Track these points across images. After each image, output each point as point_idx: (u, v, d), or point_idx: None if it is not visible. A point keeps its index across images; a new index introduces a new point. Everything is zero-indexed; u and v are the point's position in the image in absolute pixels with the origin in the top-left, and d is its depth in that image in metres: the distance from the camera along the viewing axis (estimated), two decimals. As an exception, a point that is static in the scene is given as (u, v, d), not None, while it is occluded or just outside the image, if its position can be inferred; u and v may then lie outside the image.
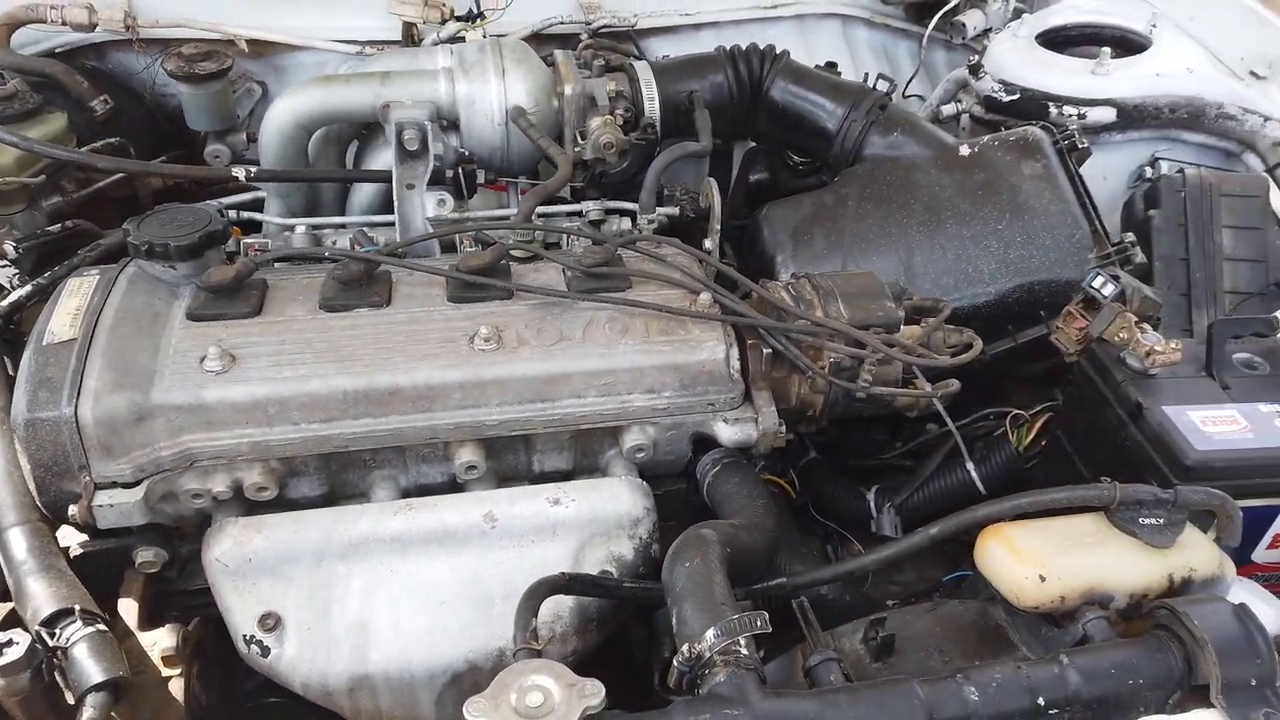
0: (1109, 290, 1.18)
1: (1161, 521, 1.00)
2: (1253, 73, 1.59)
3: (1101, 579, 0.99)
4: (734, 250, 1.57)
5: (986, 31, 1.82)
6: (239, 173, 1.35)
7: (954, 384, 1.22)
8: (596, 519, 1.12)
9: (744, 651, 0.90)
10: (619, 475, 1.19)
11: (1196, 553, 1.00)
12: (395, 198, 1.34)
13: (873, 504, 1.44)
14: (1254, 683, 0.88)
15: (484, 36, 1.68)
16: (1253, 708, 0.86)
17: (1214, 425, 1.09)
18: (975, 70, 1.64)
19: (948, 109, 1.69)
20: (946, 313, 1.23)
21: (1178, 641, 0.91)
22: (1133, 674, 0.90)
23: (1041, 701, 0.89)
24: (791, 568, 1.20)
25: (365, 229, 1.34)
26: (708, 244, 1.37)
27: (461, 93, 1.40)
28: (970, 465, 1.37)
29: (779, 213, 1.43)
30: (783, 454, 1.44)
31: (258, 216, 1.40)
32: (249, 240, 1.32)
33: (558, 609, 1.10)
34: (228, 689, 1.25)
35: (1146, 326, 1.16)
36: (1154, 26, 1.66)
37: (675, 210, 1.45)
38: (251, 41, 1.71)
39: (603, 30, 1.77)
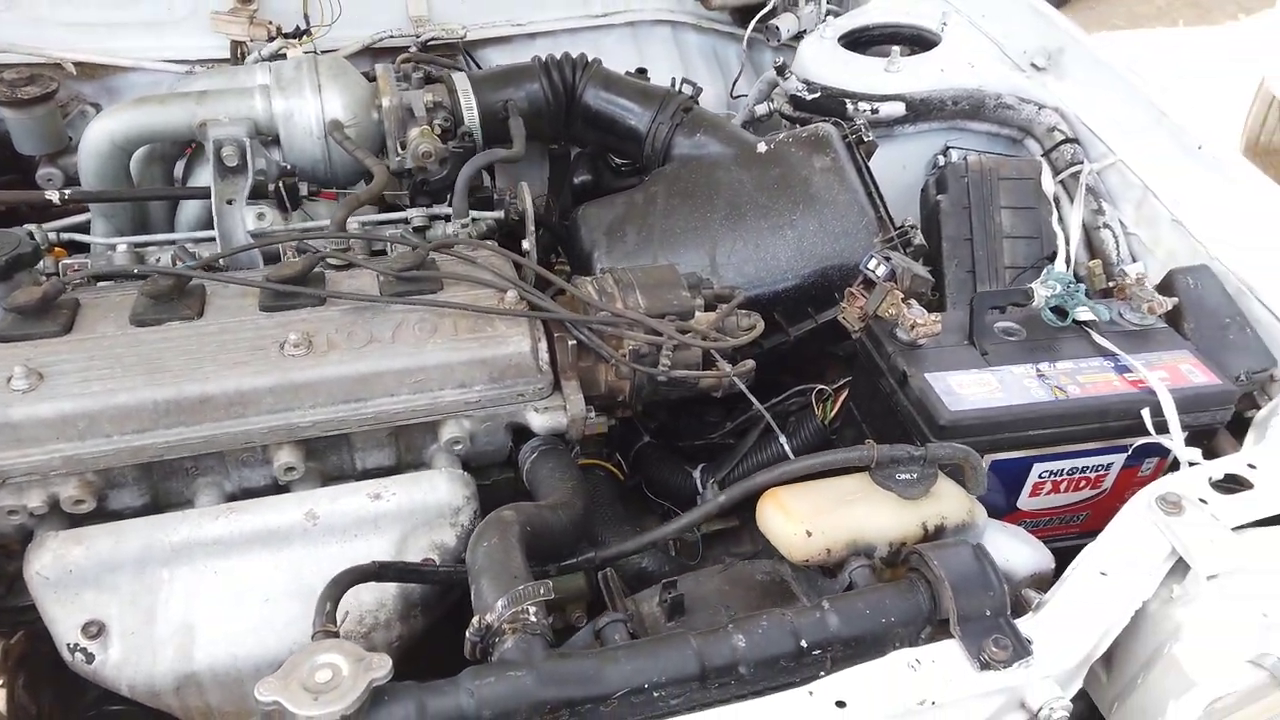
0: (881, 271, 1.29)
1: (915, 476, 1.11)
2: (1033, 64, 1.74)
3: (863, 531, 1.10)
4: (565, 247, 1.65)
5: (801, 33, 1.94)
6: (52, 195, 1.37)
7: (750, 364, 1.32)
8: (417, 510, 1.19)
9: (532, 619, 0.97)
10: (440, 468, 1.25)
11: (947, 502, 1.12)
12: (215, 213, 1.38)
13: (699, 481, 1.53)
14: (988, 613, 0.99)
15: (313, 52, 1.72)
16: (986, 636, 0.97)
17: (969, 388, 1.21)
18: (782, 71, 1.75)
19: (761, 108, 1.80)
20: (739, 299, 1.33)
21: (925, 582, 1.02)
22: (885, 614, 1.01)
23: (804, 644, 0.98)
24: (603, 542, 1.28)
25: (186, 245, 1.38)
26: (526, 244, 1.45)
27: (279, 109, 1.44)
28: (783, 439, 1.47)
29: (594, 212, 1.52)
30: (616, 438, 1.53)
31: (80, 237, 1.43)
32: (68, 261, 1.34)
33: (381, 597, 1.16)
34: (70, 701, 1.27)
35: (913, 302, 1.27)
36: (945, 25, 1.80)
37: (501, 214, 1.52)
38: (80, 64, 1.72)
39: (433, 43, 1.83)
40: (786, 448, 1.47)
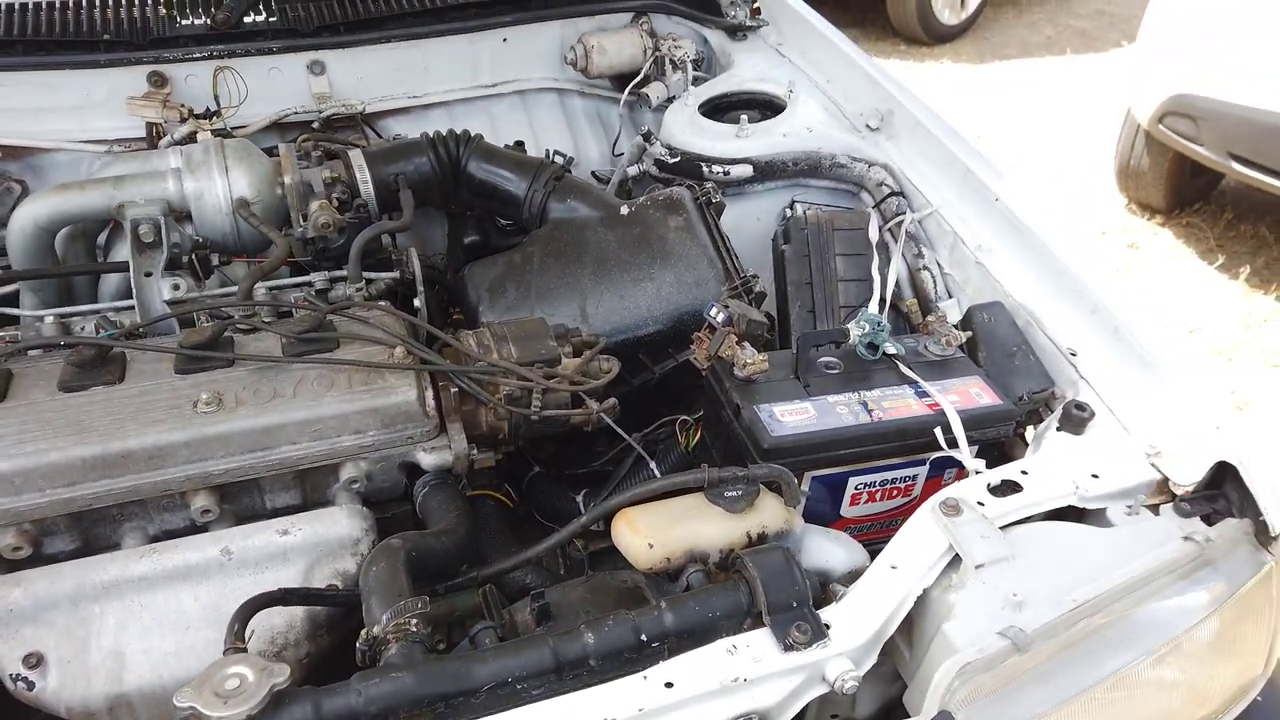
0: (720, 317, 1.51)
1: (741, 493, 1.32)
2: (868, 125, 1.99)
3: (697, 541, 1.30)
4: (456, 301, 1.84)
5: (671, 99, 2.17)
6: (-17, 276, 1.53)
7: (612, 402, 1.52)
8: (321, 543, 1.37)
9: (413, 629, 1.16)
10: (342, 505, 1.43)
11: (768, 514, 1.33)
12: (134, 285, 1.54)
13: (582, 506, 1.72)
14: (794, 605, 1.19)
15: (223, 130, 1.90)
16: (791, 623, 1.18)
17: (790, 416, 1.43)
18: (647, 137, 1.97)
19: (632, 170, 2.02)
20: (600, 346, 1.54)
21: (744, 581, 1.23)
22: (712, 609, 1.21)
23: (644, 637, 1.18)
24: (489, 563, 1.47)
25: (109, 315, 1.54)
26: (417, 302, 1.64)
27: (190, 189, 1.62)
28: (652, 464, 1.68)
29: (478, 271, 1.72)
30: (507, 470, 1.72)
31: (9, 311, 1.58)
32: (0, 334, 1.50)
33: (290, 619, 1.33)
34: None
35: (746, 344, 1.49)
36: (791, 92, 2.04)
37: (397, 274, 1.71)
38: (6, 146, 1.87)
39: (334, 117, 2.02)
40: (656, 472, 1.68)
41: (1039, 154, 5.29)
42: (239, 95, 1.95)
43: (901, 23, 6.55)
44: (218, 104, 1.94)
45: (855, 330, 1.53)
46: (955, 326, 1.62)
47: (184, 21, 1.92)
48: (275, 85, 2.00)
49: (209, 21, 1.93)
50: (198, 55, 1.91)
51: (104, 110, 1.90)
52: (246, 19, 1.96)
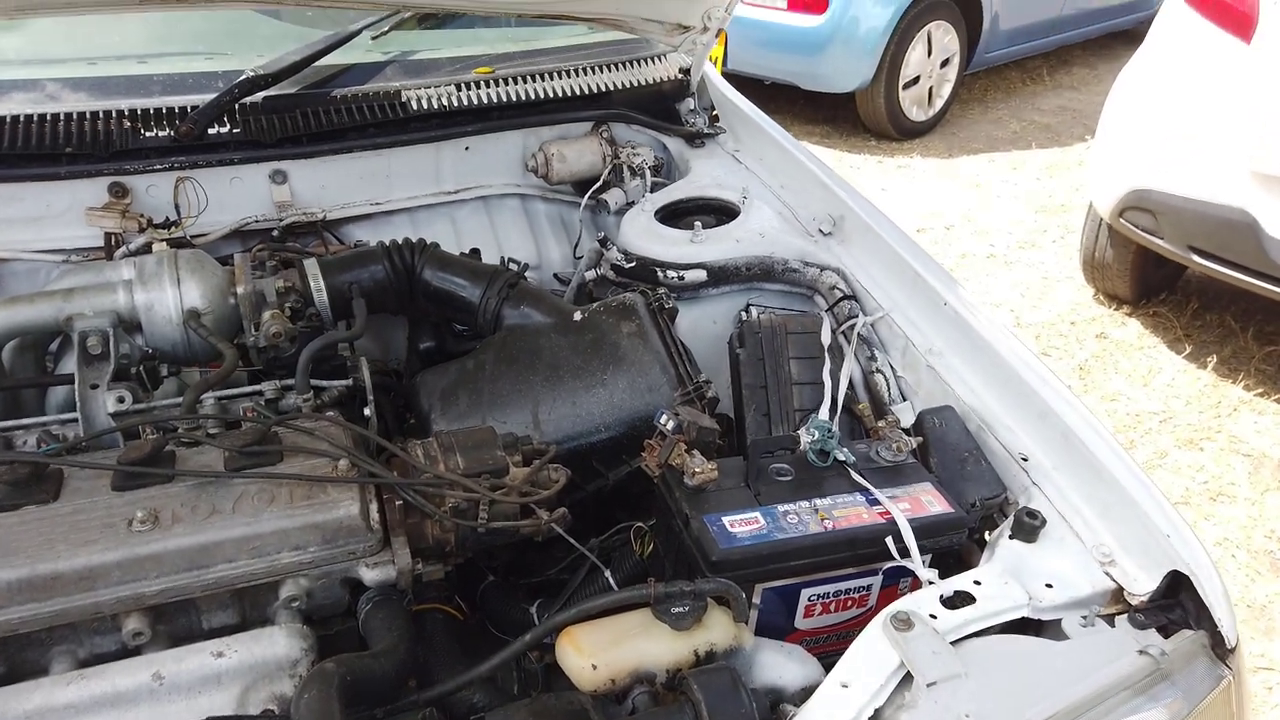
0: (670, 425, 1.51)
1: (687, 609, 1.29)
2: (820, 230, 2.02)
3: (642, 661, 1.27)
4: (410, 408, 1.83)
5: (630, 204, 2.21)
6: (-77, 390, 1.51)
7: (562, 512, 1.50)
8: (258, 665, 1.32)
9: (344, 757, 1.12)
10: (281, 624, 1.39)
11: (716, 631, 1.30)
12: (78, 398, 1.53)
13: (536, 617, 1.68)
14: (740, 726, 1.16)
15: (184, 240, 1.92)
16: (739, 746, 1.14)
17: (740, 526, 1.41)
18: (604, 243, 2.00)
19: (590, 274, 2.04)
20: (550, 455, 1.52)
21: (690, 704, 1.20)
22: (657, 733, 1.18)
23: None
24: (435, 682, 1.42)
25: (51, 428, 1.52)
26: (367, 411, 1.63)
27: (140, 301, 1.62)
28: (607, 573, 1.65)
29: (430, 380, 1.71)
30: (460, 579, 1.69)
31: (-49, 425, 1.56)
32: (-63, 449, 1.47)
33: (221, 747, 1.28)
34: None
35: (695, 452, 1.48)
36: (745, 198, 2.09)
37: (349, 381, 1.70)
38: (-40, 257, 1.88)
39: (295, 225, 2.04)
40: (612, 582, 1.65)
41: (1008, 245, 5.39)
42: (199, 205, 1.97)
43: (871, 120, 6.75)
44: (178, 213, 1.96)
45: (805, 437, 1.52)
46: (907, 431, 1.62)
47: (147, 134, 1.95)
48: (236, 194, 2.03)
49: (172, 133, 1.96)
50: (159, 167, 1.94)
51: (63, 220, 1.91)
52: (210, 130, 1.99)
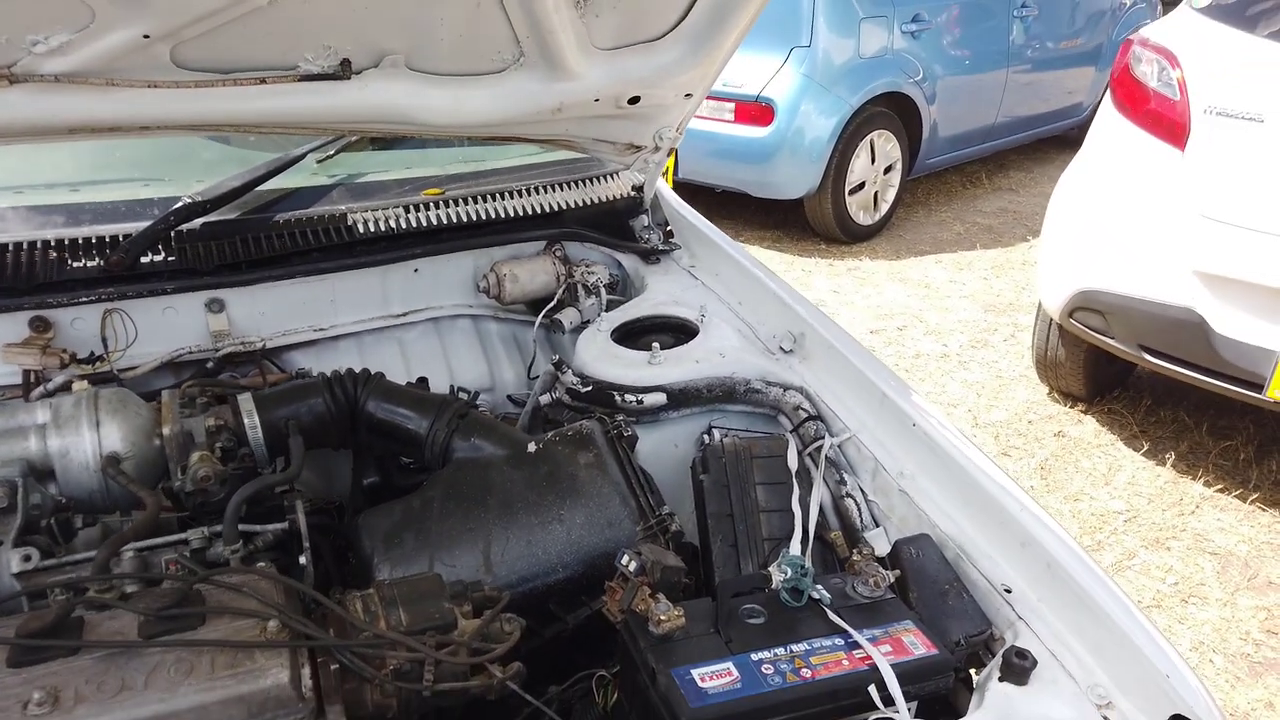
0: (633, 566, 1.40)
1: (657, 780, 1.17)
2: (781, 348, 1.97)
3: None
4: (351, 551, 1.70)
5: (585, 323, 2.14)
6: None
7: (516, 668, 1.37)
8: None
9: None
10: (200, 812, 1.23)
11: (687, 801, 1.18)
12: (-21, 557, 1.39)
13: (491, 779, 1.53)
14: None
15: (110, 375, 1.80)
16: None
17: (711, 680, 1.29)
18: (559, 366, 1.93)
19: (545, 398, 1.96)
20: (503, 603, 1.40)
21: None
22: None
23: None
24: None
25: (-53, 593, 1.37)
26: (302, 559, 1.50)
27: (54, 447, 1.50)
28: (574, 729, 1.51)
29: (373, 521, 1.59)
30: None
31: None
32: None
33: None
34: None
35: (660, 596, 1.37)
36: (703, 317, 2.03)
37: (284, 525, 1.57)
38: None
39: (233, 355, 1.93)
40: (571, 739, 1.51)
41: (961, 345, 5.44)
42: (128, 337, 1.86)
43: (820, 224, 6.87)
44: (105, 347, 1.85)
45: (778, 575, 1.43)
46: (882, 562, 1.53)
47: (75, 264, 1.85)
48: (169, 324, 1.92)
49: (102, 264, 1.86)
50: (86, 299, 1.84)
51: (-22, 356, 1.79)
52: (143, 259, 1.90)
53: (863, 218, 6.97)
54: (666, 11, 1.91)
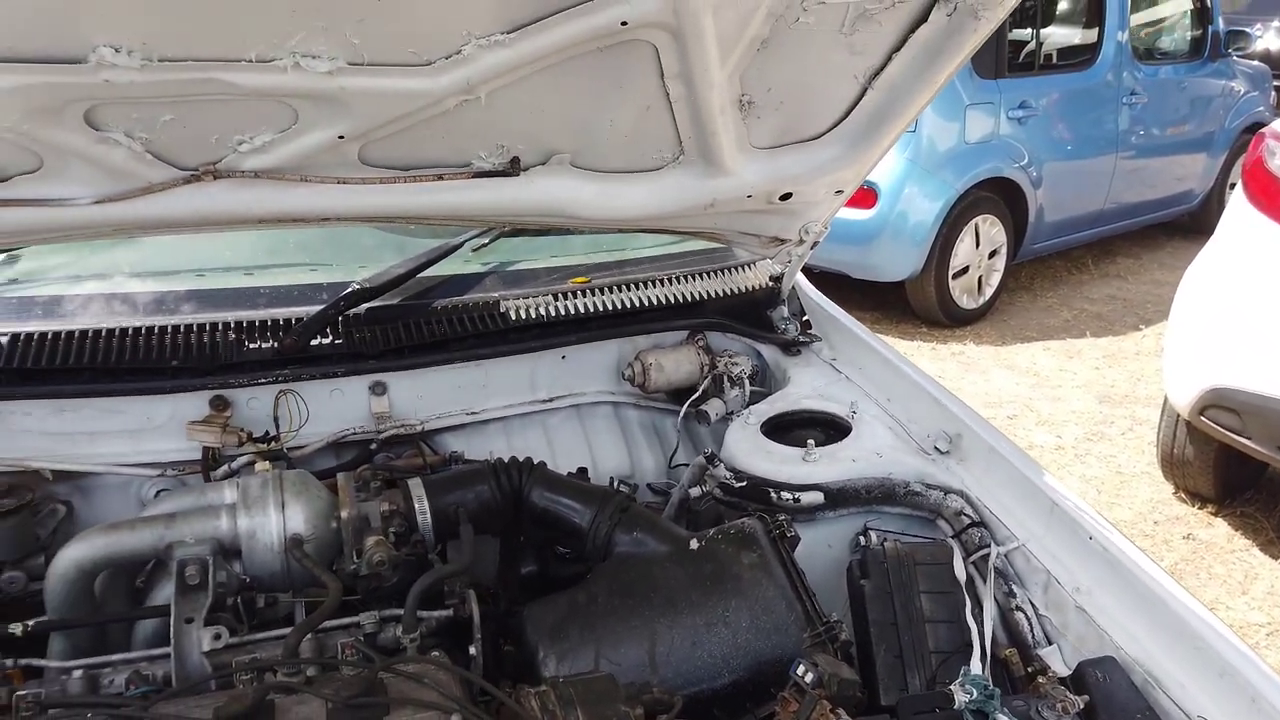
0: (810, 678, 1.37)
1: None
2: (936, 448, 1.93)
3: None
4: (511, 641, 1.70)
5: (730, 414, 2.14)
6: (15, 629, 1.42)
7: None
8: None
9: None
10: None
11: None
12: (172, 633, 1.43)
13: None
14: None
15: (281, 453, 1.87)
16: None
17: (900, 805, 1.25)
18: (710, 459, 1.92)
19: (695, 490, 1.95)
20: (678, 708, 1.39)
21: None
22: None
23: None
24: None
25: (141, 668, 1.42)
26: (472, 650, 1.51)
27: (243, 527, 1.55)
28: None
29: (538, 612, 1.60)
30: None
31: (37, 662, 1.46)
32: (22, 692, 1.36)
33: None
34: None
35: (841, 712, 1.34)
36: (854, 413, 2.02)
37: (450, 611, 1.59)
38: (57, 471, 1.83)
39: (393, 438, 1.99)
40: None
41: (1075, 437, 5.26)
42: (300, 417, 1.94)
43: (922, 307, 6.79)
44: (277, 426, 1.92)
45: (961, 695, 1.38)
46: (1065, 683, 1.46)
47: (251, 345, 1.95)
48: (336, 406, 1.99)
49: (276, 345, 1.95)
50: (263, 380, 1.92)
51: (162, 433, 1.88)
52: (313, 342, 1.98)
53: (966, 301, 6.87)
54: (828, 113, 1.94)
